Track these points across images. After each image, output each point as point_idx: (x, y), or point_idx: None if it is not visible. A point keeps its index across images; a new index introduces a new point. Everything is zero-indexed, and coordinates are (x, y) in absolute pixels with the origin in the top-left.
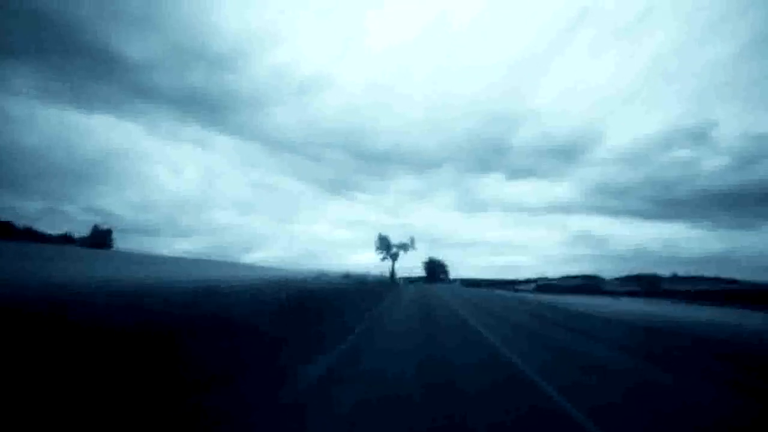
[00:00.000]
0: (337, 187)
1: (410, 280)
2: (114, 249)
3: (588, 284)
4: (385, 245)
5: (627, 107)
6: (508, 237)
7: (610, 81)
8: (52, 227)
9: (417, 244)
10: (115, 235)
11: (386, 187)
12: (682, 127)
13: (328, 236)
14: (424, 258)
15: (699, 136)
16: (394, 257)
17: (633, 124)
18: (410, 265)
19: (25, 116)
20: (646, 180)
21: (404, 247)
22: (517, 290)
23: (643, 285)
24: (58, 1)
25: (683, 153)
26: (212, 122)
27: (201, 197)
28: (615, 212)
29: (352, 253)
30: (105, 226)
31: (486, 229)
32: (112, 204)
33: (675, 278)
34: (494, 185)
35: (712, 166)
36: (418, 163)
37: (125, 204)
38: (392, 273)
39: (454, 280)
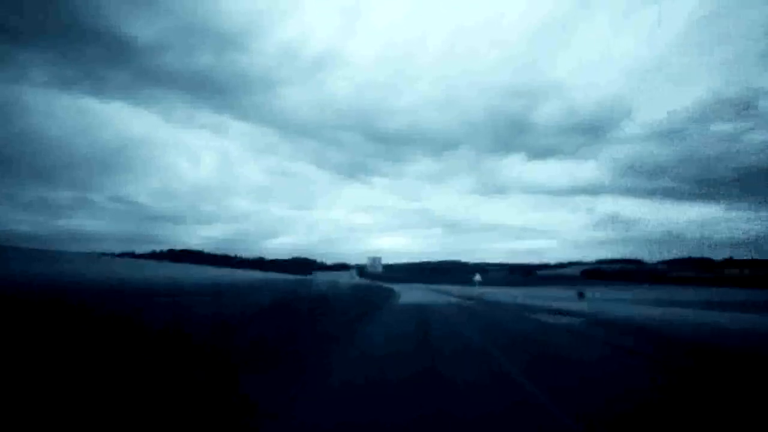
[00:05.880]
0: (354, 171)
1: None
2: None
3: (636, 270)
4: None
5: (660, 78)
6: (531, 221)
7: (640, 50)
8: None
9: (433, 229)
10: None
11: (403, 171)
12: (724, 98)
13: (345, 221)
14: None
15: (744, 108)
16: None
17: (666, 97)
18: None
19: (47, 107)
20: (681, 158)
21: None
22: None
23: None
24: None
25: (724, 127)
26: (225, 106)
27: (220, 184)
28: (646, 193)
29: (370, 237)
30: None
31: (506, 212)
32: (136, 193)
33: (731, 262)
34: (515, 166)
35: (759, 140)
36: (435, 144)
37: (148, 192)
38: None
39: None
